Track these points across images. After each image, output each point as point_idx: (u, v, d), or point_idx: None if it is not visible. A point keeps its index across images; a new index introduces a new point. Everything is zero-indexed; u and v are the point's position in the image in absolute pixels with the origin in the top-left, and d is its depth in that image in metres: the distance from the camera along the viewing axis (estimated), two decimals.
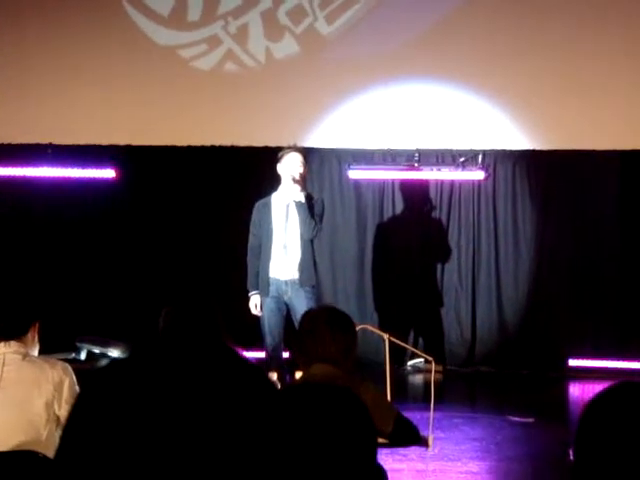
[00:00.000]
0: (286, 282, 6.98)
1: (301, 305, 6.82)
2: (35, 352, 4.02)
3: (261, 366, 1.17)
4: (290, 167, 7.04)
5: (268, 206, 7.12)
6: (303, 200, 6.98)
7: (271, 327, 6.98)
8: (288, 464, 1.09)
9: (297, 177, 7.01)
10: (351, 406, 1.86)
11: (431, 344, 9.08)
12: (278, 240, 7.03)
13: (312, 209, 7.03)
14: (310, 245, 7.07)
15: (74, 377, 3.87)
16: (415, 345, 8.90)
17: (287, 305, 7.02)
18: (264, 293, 7.00)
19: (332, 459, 1.76)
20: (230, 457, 1.05)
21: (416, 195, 9.30)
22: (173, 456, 1.03)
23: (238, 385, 1.09)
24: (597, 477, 1.59)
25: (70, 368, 3.92)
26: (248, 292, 7.09)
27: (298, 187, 7.00)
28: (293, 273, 6.99)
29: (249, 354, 8.34)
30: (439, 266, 9.28)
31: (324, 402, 1.85)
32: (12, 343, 3.90)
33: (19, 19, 9.26)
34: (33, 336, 4.00)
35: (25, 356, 3.89)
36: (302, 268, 7.00)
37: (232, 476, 1.05)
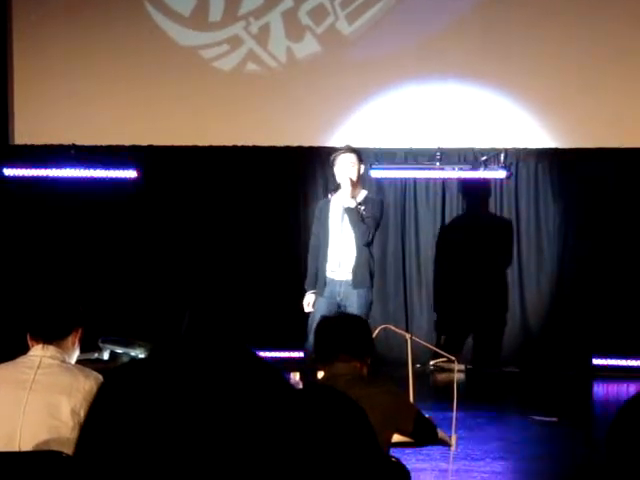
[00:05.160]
0: (340, 283, 7.04)
1: (352, 306, 6.92)
2: (73, 359, 3.98)
3: (279, 367, 1.18)
4: (342, 169, 7.06)
5: (327, 206, 7.20)
6: (352, 205, 6.97)
7: None
8: (291, 468, 1.09)
9: (347, 182, 6.96)
10: (347, 412, 1.83)
11: (454, 344, 9.05)
12: (334, 242, 7.09)
13: (366, 211, 6.99)
14: (366, 247, 7.08)
15: None
16: (438, 345, 8.87)
17: (339, 306, 7.06)
18: (319, 293, 7.08)
19: (326, 467, 1.72)
20: (246, 458, 1.05)
21: (438, 194, 9.29)
22: (187, 457, 1.04)
23: (257, 387, 1.10)
24: None
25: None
26: (305, 290, 7.18)
27: (348, 192, 6.97)
28: (347, 274, 7.04)
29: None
30: (461, 265, 9.25)
31: (320, 407, 1.82)
32: (50, 347, 3.86)
33: (41, 20, 9.30)
34: (73, 342, 3.96)
35: (62, 362, 3.86)
36: (356, 270, 7.02)
37: (245, 477, 1.05)
